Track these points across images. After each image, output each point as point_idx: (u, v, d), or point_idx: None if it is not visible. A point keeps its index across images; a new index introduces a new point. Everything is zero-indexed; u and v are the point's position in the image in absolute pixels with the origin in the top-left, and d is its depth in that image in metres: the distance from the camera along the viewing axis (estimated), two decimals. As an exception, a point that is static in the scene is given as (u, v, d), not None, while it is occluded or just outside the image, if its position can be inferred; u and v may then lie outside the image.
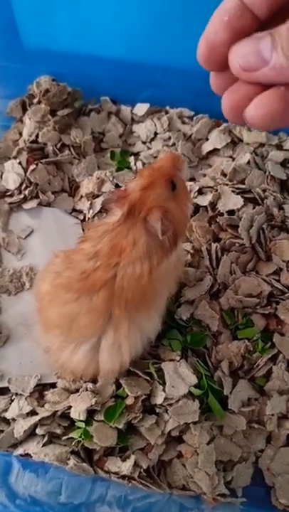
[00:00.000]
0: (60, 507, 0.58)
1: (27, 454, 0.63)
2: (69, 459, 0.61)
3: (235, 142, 0.92)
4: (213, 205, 0.80)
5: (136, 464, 0.61)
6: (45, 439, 0.63)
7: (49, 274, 0.61)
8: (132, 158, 0.90)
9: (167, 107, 0.97)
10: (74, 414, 0.63)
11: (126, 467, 0.60)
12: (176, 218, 0.55)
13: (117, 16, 0.89)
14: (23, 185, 0.83)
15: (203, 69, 1.00)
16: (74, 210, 0.86)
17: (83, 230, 0.83)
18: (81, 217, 0.84)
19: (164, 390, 0.64)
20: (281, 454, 0.66)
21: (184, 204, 0.58)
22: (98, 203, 0.83)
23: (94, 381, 0.66)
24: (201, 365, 0.67)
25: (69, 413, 0.64)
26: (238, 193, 0.80)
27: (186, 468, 0.63)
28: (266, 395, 0.68)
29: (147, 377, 0.65)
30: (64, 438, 0.63)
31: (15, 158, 0.85)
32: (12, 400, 0.68)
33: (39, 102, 0.89)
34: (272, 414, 0.67)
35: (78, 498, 0.59)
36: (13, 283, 0.77)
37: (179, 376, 0.65)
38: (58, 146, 0.87)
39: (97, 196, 0.84)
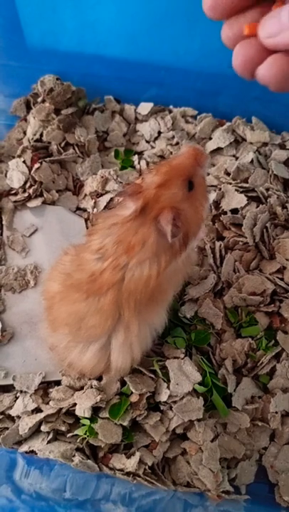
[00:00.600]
0: (65, 503, 0.59)
1: (32, 451, 0.63)
2: (74, 456, 0.61)
3: (238, 141, 0.92)
4: (216, 203, 0.80)
5: (141, 461, 0.61)
6: (50, 436, 0.64)
7: (59, 274, 0.60)
8: (135, 157, 0.90)
9: (171, 106, 0.97)
10: (79, 411, 0.63)
11: (131, 464, 0.61)
12: (190, 220, 0.54)
13: (120, 15, 0.89)
14: (28, 184, 0.83)
15: (206, 68, 1.00)
16: (78, 208, 0.86)
17: (87, 228, 0.83)
18: (85, 215, 0.84)
19: (168, 388, 0.64)
20: (285, 452, 0.67)
21: (201, 204, 0.56)
22: (102, 201, 0.83)
23: (98, 378, 0.66)
24: (205, 363, 0.67)
25: (74, 410, 0.64)
26: (241, 192, 0.80)
27: (191, 465, 0.63)
28: (270, 393, 0.69)
29: (152, 375, 0.66)
30: (69, 435, 0.64)
31: (19, 156, 0.85)
32: (17, 398, 0.68)
33: (43, 101, 0.89)
34: (276, 412, 0.67)
35: (83, 495, 0.60)
36: (17, 281, 0.77)
37: (184, 374, 0.65)
38: (62, 144, 0.87)
39: (101, 195, 0.84)
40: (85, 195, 0.86)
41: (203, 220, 0.58)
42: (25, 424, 0.64)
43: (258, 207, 0.79)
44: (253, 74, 0.39)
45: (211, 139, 0.92)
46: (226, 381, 0.67)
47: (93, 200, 0.84)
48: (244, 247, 0.77)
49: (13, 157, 0.87)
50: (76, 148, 0.88)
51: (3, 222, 0.82)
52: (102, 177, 0.85)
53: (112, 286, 0.53)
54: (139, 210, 0.51)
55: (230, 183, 0.82)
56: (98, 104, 0.95)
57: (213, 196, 0.80)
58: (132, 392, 0.64)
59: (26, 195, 0.82)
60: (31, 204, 0.83)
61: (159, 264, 0.52)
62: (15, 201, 0.83)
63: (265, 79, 0.38)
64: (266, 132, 0.91)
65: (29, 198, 0.83)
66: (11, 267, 0.78)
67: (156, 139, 0.93)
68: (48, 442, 0.63)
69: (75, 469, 0.61)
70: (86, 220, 0.84)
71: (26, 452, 0.64)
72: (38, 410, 0.66)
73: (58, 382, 0.69)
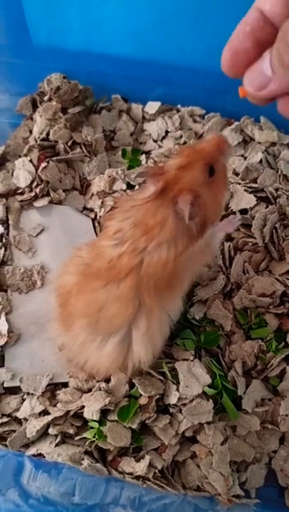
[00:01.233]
0: (74, 507, 0.58)
1: (40, 454, 0.63)
2: (83, 459, 0.61)
3: (246, 141, 0.91)
4: (225, 204, 0.79)
5: (150, 465, 0.61)
6: (58, 439, 0.63)
7: (76, 266, 0.60)
8: (143, 157, 0.89)
9: (178, 106, 0.96)
10: (87, 414, 0.62)
11: (140, 468, 0.60)
12: (208, 205, 0.53)
13: (127, 13, 0.89)
14: (34, 183, 0.82)
15: (214, 67, 0.99)
16: (85, 208, 0.86)
17: (94, 227, 0.82)
18: (92, 215, 0.84)
19: (177, 390, 0.63)
20: (295, 455, 0.66)
21: (220, 192, 0.56)
22: (109, 201, 0.82)
23: (107, 380, 0.66)
24: (215, 365, 0.67)
25: (82, 413, 0.63)
26: (250, 192, 0.80)
27: (201, 468, 0.62)
28: (280, 396, 0.68)
29: (161, 377, 0.65)
30: (77, 438, 0.63)
31: (26, 155, 0.85)
32: (24, 400, 0.67)
33: (50, 100, 0.88)
34: (286, 415, 0.66)
35: (92, 499, 0.59)
36: (24, 281, 0.76)
37: (193, 376, 0.64)
38: (69, 143, 0.87)
39: (109, 194, 0.84)
40: (92, 194, 0.85)
41: (222, 208, 0.58)
42: (32, 427, 0.63)
43: (267, 207, 0.78)
44: None
45: (218, 138, 0.91)
46: (236, 383, 0.66)
47: (100, 200, 0.83)
48: (253, 248, 0.76)
49: (20, 156, 0.86)
50: (83, 148, 0.87)
51: (10, 222, 0.81)
52: (110, 176, 0.84)
53: (130, 270, 0.53)
54: (159, 191, 0.51)
55: (239, 184, 0.81)
56: (105, 103, 0.95)
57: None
58: (140, 395, 0.63)
59: (33, 194, 0.81)
60: (38, 203, 0.82)
61: (176, 247, 0.52)
62: (21, 201, 0.82)
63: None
64: (275, 132, 0.90)
65: (36, 198, 0.82)
66: (18, 268, 0.77)
67: (163, 138, 0.93)
68: (56, 445, 0.62)
69: (83, 473, 0.60)
70: (93, 220, 0.83)
71: (34, 455, 0.63)
72: (45, 413, 0.65)
73: (65, 384, 0.68)
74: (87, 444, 0.62)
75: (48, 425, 0.64)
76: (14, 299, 0.76)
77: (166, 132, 0.93)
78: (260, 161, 0.85)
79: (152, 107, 0.94)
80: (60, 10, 0.91)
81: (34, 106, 0.93)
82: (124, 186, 0.84)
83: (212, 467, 0.61)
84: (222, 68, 0.44)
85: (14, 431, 0.64)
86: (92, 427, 0.63)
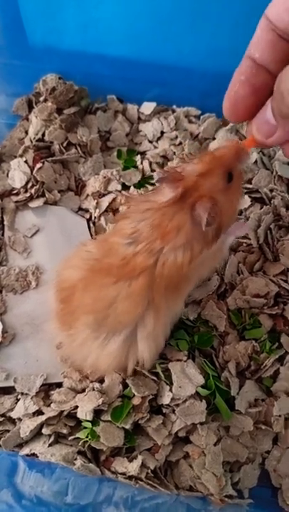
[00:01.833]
0: (66, 508, 0.58)
1: (33, 454, 0.63)
2: (76, 459, 0.61)
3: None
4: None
5: (143, 465, 0.61)
6: (52, 439, 0.63)
7: (85, 261, 0.59)
8: (138, 157, 0.89)
9: (174, 106, 0.96)
10: (81, 414, 0.63)
11: (133, 468, 0.60)
12: (225, 212, 0.54)
13: (123, 14, 0.89)
14: (29, 184, 0.82)
15: (209, 68, 0.99)
16: (80, 208, 0.86)
17: (89, 228, 0.82)
18: (87, 216, 0.84)
19: (171, 390, 0.64)
20: (288, 456, 0.66)
21: (236, 199, 0.57)
22: (104, 201, 0.83)
23: (101, 381, 0.66)
24: (208, 366, 0.67)
25: (75, 413, 0.64)
26: (245, 193, 0.80)
27: (194, 469, 0.62)
28: (273, 396, 0.68)
29: (154, 377, 0.65)
30: (70, 438, 0.63)
31: (21, 156, 0.85)
32: (18, 400, 0.67)
33: (45, 100, 0.88)
34: (280, 416, 0.66)
35: (85, 499, 0.59)
36: (18, 282, 0.76)
37: (186, 376, 0.64)
38: (65, 144, 0.87)
39: (104, 195, 0.84)
40: (87, 195, 0.85)
41: (236, 214, 0.59)
42: (26, 427, 0.63)
43: (261, 208, 0.79)
44: None
45: (214, 139, 0.91)
46: (229, 384, 0.66)
47: (95, 201, 0.83)
48: (248, 249, 0.76)
49: (15, 157, 0.86)
50: (78, 148, 0.87)
51: (5, 223, 0.81)
52: (105, 177, 0.84)
53: (144, 270, 0.53)
54: (179, 197, 0.51)
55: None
56: (101, 103, 0.95)
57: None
58: (134, 395, 0.64)
59: (28, 195, 0.82)
60: (33, 204, 0.82)
61: (191, 251, 0.53)
62: (16, 201, 0.82)
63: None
64: (270, 132, 0.90)
65: (31, 198, 0.82)
66: (13, 268, 0.77)
67: (159, 139, 0.93)
68: (50, 445, 0.63)
69: (76, 473, 0.60)
70: (88, 221, 0.83)
71: (27, 455, 0.63)
72: (39, 413, 0.65)
73: (59, 385, 0.69)
74: (80, 444, 0.62)
75: (41, 425, 0.64)
76: (9, 299, 0.76)
77: (162, 133, 0.93)
78: (255, 161, 0.85)
79: (148, 107, 0.94)
80: (57, 10, 0.91)
81: (30, 107, 0.93)
82: (119, 187, 0.84)
83: (205, 467, 0.62)
84: (224, 115, 0.47)
85: (8, 431, 0.65)
86: (85, 427, 0.63)
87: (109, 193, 0.84)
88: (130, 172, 0.87)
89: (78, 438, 0.62)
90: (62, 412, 0.64)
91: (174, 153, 0.88)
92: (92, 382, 0.66)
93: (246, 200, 0.78)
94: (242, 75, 0.43)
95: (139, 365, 0.62)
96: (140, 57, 0.91)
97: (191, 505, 0.60)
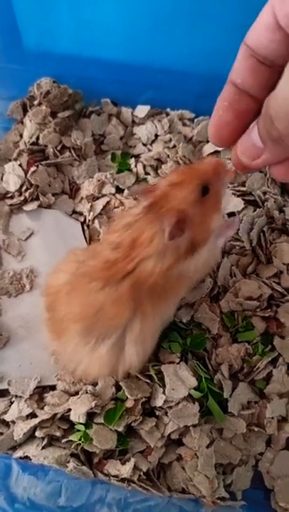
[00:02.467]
0: (59, 510, 0.58)
1: (26, 457, 0.63)
2: (68, 461, 0.61)
3: (235, 144, 0.91)
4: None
5: (136, 467, 0.61)
6: (45, 441, 0.63)
7: (70, 263, 0.60)
8: (132, 160, 0.90)
9: (168, 109, 0.97)
10: (74, 416, 0.63)
11: (126, 470, 0.60)
12: (197, 225, 0.53)
13: (118, 17, 0.89)
14: (24, 187, 0.83)
15: (204, 71, 0.99)
16: (74, 212, 0.86)
17: (84, 231, 0.82)
18: (81, 219, 0.84)
19: (164, 393, 0.64)
20: (281, 457, 0.66)
21: (210, 215, 0.55)
22: (98, 204, 0.83)
23: (94, 384, 0.66)
24: (201, 368, 0.67)
25: (69, 416, 0.64)
26: (238, 196, 0.80)
27: (186, 471, 0.63)
28: (266, 398, 0.68)
29: (147, 380, 0.65)
30: (64, 441, 0.63)
31: (15, 160, 0.85)
32: (12, 402, 0.68)
33: (40, 104, 0.89)
34: (272, 418, 0.67)
35: (78, 501, 0.59)
36: (13, 285, 0.77)
37: (179, 379, 0.65)
38: (59, 148, 0.87)
39: (98, 198, 0.84)
40: (82, 198, 0.85)
41: (213, 230, 0.57)
42: (19, 430, 0.64)
43: (254, 211, 0.79)
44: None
45: (208, 142, 0.92)
46: (222, 386, 0.66)
47: (89, 204, 0.83)
48: (241, 252, 0.77)
49: (10, 160, 0.86)
50: (72, 152, 0.88)
51: (-1, 226, 0.82)
52: (99, 180, 0.84)
53: (126, 274, 0.54)
54: (147, 207, 0.52)
55: (228, 187, 0.81)
56: (95, 107, 0.95)
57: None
58: (127, 398, 0.64)
59: (22, 198, 0.82)
60: (27, 207, 0.82)
61: (162, 263, 0.53)
62: (11, 205, 0.82)
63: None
64: (263, 135, 0.90)
65: (25, 202, 0.83)
66: (7, 271, 0.78)
67: (153, 142, 0.93)
68: (43, 448, 0.63)
69: (69, 475, 0.61)
70: (82, 224, 0.84)
71: (21, 458, 0.63)
72: (32, 415, 0.66)
73: (53, 387, 0.69)
74: (73, 446, 0.63)
75: (35, 428, 0.64)
76: (3, 302, 0.76)
77: (156, 136, 0.93)
78: (249, 164, 0.85)
79: (142, 110, 0.94)
80: (52, 14, 0.91)
81: (24, 110, 0.93)
82: (113, 190, 0.84)
83: (197, 470, 0.62)
84: (210, 141, 0.48)
85: (2, 433, 0.65)
86: (78, 430, 0.63)
87: (104, 196, 0.84)
88: (124, 175, 0.87)
89: (71, 441, 0.63)
90: (55, 414, 0.64)
91: (168, 156, 0.88)
92: (85, 384, 0.66)
93: (239, 203, 0.79)
94: (225, 100, 0.44)
95: (129, 368, 0.62)
96: (134, 61, 0.91)
97: (183, 507, 0.61)
